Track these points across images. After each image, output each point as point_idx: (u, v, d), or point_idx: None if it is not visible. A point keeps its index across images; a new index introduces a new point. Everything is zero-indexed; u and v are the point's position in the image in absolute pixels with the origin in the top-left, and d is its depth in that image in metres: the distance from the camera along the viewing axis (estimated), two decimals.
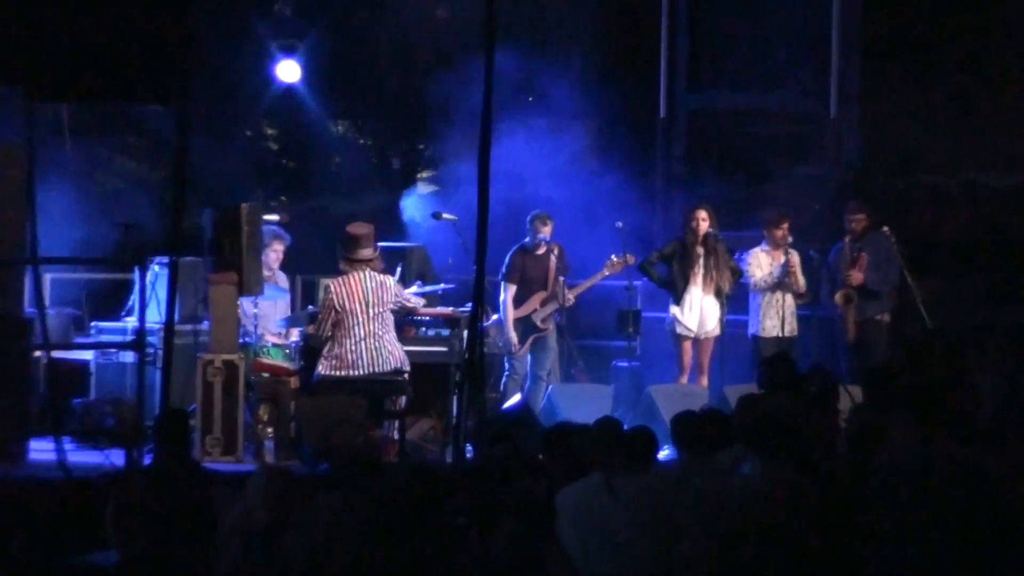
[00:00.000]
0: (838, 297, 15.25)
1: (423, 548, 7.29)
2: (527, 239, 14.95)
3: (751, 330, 15.23)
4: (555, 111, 17.31)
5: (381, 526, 7.48)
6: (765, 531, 7.42)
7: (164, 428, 10.14)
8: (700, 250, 14.91)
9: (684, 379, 14.91)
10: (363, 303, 12.97)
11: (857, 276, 15.17)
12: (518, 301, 14.89)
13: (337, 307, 13.00)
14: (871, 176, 17.95)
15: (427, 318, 14.16)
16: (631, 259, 15.02)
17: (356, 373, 12.99)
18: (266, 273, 14.03)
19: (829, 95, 18.20)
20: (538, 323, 14.91)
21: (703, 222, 14.93)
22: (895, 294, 15.37)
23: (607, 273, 15.07)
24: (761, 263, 15.13)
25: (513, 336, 14.83)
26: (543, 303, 14.91)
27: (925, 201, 18.12)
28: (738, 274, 15.09)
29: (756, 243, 15.36)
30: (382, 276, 13.14)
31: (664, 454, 10.31)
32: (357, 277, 13.03)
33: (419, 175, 20.57)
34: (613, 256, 15.00)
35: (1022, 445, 8.60)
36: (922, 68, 18.42)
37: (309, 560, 7.84)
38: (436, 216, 15.16)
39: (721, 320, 15.01)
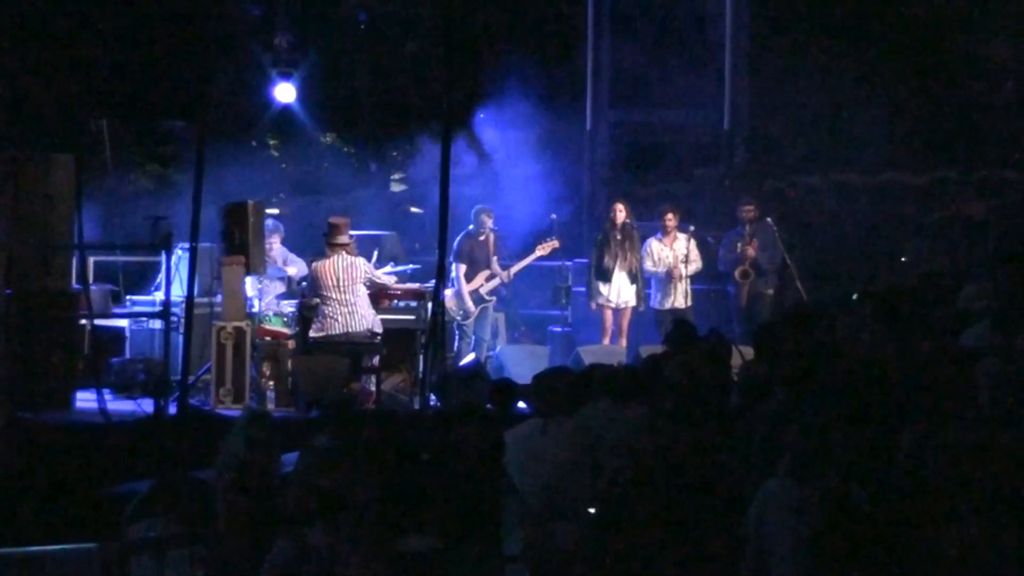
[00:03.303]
0: (738, 273, 15.31)
1: (398, 480, 7.31)
2: (471, 227, 15.02)
3: (652, 303, 15.28)
4: (502, 124, 17.34)
5: (363, 462, 7.49)
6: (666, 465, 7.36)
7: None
8: (618, 236, 14.99)
9: (607, 340, 14.97)
10: (335, 279, 13.11)
11: (751, 255, 15.26)
12: (467, 278, 14.96)
13: (317, 282, 13.21)
14: (755, 177, 18.07)
15: (398, 292, 14.20)
16: (557, 244, 15.13)
17: (334, 332, 13.12)
18: (267, 257, 14.06)
19: (723, 112, 18.31)
20: (484, 295, 15.02)
21: (620, 213, 15.02)
22: (777, 273, 15.48)
23: (539, 254, 15.12)
24: (652, 253, 15.15)
25: (470, 304, 14.93)
26: (487, 279, 15.01)
27: (798, 197, 18.24)
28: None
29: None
30: (353, 258, 13.28)
31: None
32: (333, 259, 13.19)
33: (392, 176, 20.58)
34: (544, 241, 15.11)
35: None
36: (797, 91, 18.56)
37: (303, 491, 7.84)
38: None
39: (638, 294, 15.08)
